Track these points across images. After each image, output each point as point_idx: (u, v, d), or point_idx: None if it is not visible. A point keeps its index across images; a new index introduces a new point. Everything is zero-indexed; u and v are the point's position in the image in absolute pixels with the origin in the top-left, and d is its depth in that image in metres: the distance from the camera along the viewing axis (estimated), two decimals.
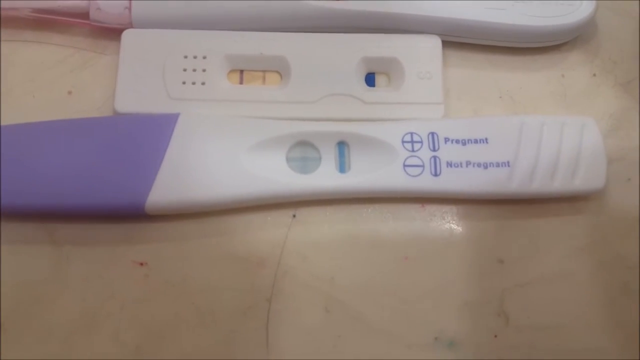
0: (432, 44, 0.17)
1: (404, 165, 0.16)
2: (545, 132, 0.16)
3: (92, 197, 0.15)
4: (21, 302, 0.16)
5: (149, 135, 0.15)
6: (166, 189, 0.15)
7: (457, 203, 0.16)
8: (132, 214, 0.16)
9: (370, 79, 0.17)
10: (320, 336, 0.15)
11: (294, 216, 0.16)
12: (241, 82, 0.17)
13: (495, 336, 0.16)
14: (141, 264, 0.16)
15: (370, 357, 0.15)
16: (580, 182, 0.16)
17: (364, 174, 0.16)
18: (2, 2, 0.17)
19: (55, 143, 0.16)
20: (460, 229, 0.16)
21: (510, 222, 0.17)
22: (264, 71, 0.17)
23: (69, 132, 0.16)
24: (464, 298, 0.16)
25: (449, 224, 0.16)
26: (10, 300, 0.16)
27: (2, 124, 0.16)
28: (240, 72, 0.17)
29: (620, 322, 0.16)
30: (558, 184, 0.16)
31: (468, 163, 0.16)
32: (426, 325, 0.16)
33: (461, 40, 0.18)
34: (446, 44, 0.18)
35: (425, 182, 0.16)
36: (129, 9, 0.17)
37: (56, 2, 0.17)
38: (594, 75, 0.18)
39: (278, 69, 0.17)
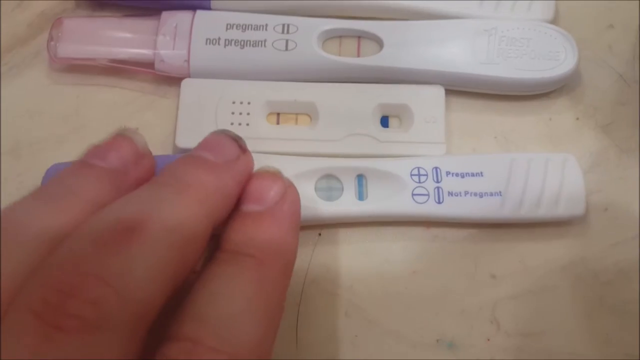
0: (436, 93, 0.20)
1: (412, 194, 0.18)
2: (532, 166, 0.19)
3: None
4: None
5: None
6: None
7: (457, 226, 0.19)
8: None
9: (384, 121, 0.20)
10: (340, 336, 0.18)
11: (320, 235, 0.19)
12: (278, 123, 0.20)
13: (488, 340, 0.18)
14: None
15: (381, 355, 0.18)
16: (562, 210, 0.19)
17: (379, 202, 0.18)
18: (81, 52, 0.21)
19: None
20: (459, 248, 0.19)
21: (502, 243, 0.19)
22: (296, 114, 0.20)
23: None
24: (462, 307, 0.18)
25: (450, 244, 0.19)
26: None
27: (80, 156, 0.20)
28: (277, 114, 0.20)
29: (595, 330, 0.18)
30: (543, 211, 0.18)
31: (466, 193, 0.18)
32: (430, 328, 0.18)
33: (462, 90, 0.21)
34: (449, 92, 0.20)
35: (430, 209, 0.18)
36: (188, 61, 0.20)
37: (127, 53, 0.20)
38: (577, 118, 0.21)
39: (308, 113, 0.20)
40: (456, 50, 0.20)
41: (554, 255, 0.19)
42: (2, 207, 0.13)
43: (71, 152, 0.19)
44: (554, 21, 0.21)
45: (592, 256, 0.19)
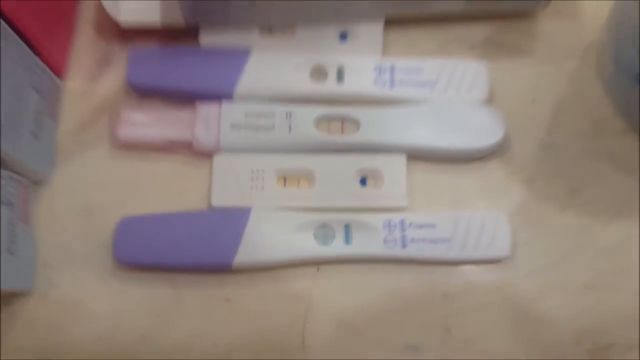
0: (400, 160, 0.26)
1: (384, 241, 0.25)
2: (472, 222, 0.25)
3: (199, 259, 0.25)
4: (149, 328, 0.25)
5: (234, 221, 0.25)
6: (245, 255, 0.25)
7: (418, 263, 0.25)
8: (223, 269, 0.25)
9: (363, 181, 0.27)
10: (336, 343, 0.25)
11: (318, 269, 0.26)
12: (285, 185, 0.27)
13: (443, 343, 0.25)
14: (227, 299, 0.26)
15: (366, 356, 0.25)
16: (494, 252, 0.25)
17: (360, 245, 0.25)
18: (137, 134, 0.27)
19: (176, 226, 0.25)
20: (420, 277, 0.25)
21: (451, 274, 0.25)
22: (298, 178, 0.27)
23: (184, 219, 0.26)
24: (423, 319, 0.25)
25: (413, 274, 0.25)
26: (144, 324, 0.25)
27: (139, 213, 0.26)
28: (284, 178, 0.27)
29: (521, 336, 0.25)
30: (480, 253, 0.25)
31: (423, 240, 0.25)
32: (399, 334, 0.25)
33: (419, 156, 0.27)
34: (410, 158, 0.26)
35: (397, 251, 0.25)
36: (218, 141, 0.26)
37: (172, 135, 0.27)
38: (507, 176, 0.27)
39: (307, 177, 0.26)
40: (414, 128, 0.27)
41: (487, 283, 0.25)
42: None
43: (132, 212, 0.26)
44: (489, 100, 0.28)
45: (515, 284, 0.25)
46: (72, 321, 0.25)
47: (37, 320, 0.25)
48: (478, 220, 0.25)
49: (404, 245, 0.25)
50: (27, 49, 0.25)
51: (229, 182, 0.26)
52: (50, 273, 0.26)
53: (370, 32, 0.29)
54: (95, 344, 0.25)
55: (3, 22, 0.23)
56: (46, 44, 0.27)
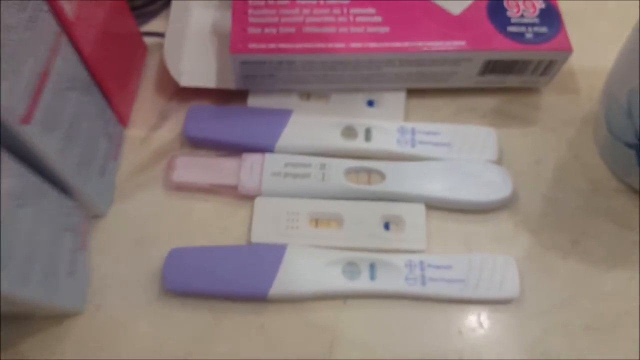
0: (420, 209, 0.30)
1: (406, 279, 0.28)
2: (484, 264, 0.28)
3: (237, 288, 0.28)
4: (189, 349, 0.27)
5: (271, 255, 0.28)
6: (279, 286, 0.27)
7: (435, 301, 0.28)
8: (259, 299, 0.28)
9: (386, 226, 0.30)
10: None
11: (344, 302, 0.29)
12: (316, 226, 0.30)
13: None
14: (261, 326, 0.28)
15: None
16: (504, 293, 0.28)
17: (384, 283, 0.28)
18: (189, 178, 0.31)
19: (219, 258, 0.28)
20: (437, 313, 0.28)
21: (465, 312, 0.28)
22: (329, 221, 0.30)
23: (226, 252, 0.29)
24: (439, 352, 0.27)
25: (430, 310, 0.28)
26: (184, 347, 0.27)
27: (190, 246, 0.29)
28: (316, 220, 0.30)
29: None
30: (491, 293, 0.28)
31: (441, 279, 0.28)
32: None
33: (438, 206, 0.30)
34: (429, 207, 0.30)
35: (417, 289, 0.28)
36: (260, 187, 0.30)
37: (219, 180, 0.31)
38: (516, 225, 0.30)
39: (337, 220, 0.30)
40: (433, 181, 0.30)
41: (500, 318, 0.28)
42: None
43: (179, 246, 0.29)
44: (499, 161, 0.32)
45: (524, 319, 0.28)
46: (117, 341, 0.28)
47: (85, 340, 0.28)
48: (489, 261, 0.28)
49: (423, 284, 0.28)
50: (102, 99, 0.30)
51: (268, 222, 0.30)
52: (102, 297, 0.29)
53: (394, 100, 0.33)
54: None
55: (89, 74, 0.28)
56: (116, 96, 0.31)
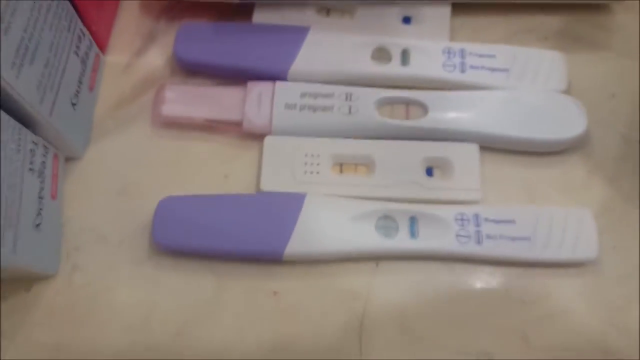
0: (472, 149, 0.24)
1: (456, 236, 0.22)
2: (555, 217, 0.23)
3: (245, 247, 0.22)
4: (185, 321, 0.22)
5: (287, 207, 0.23)
6: (297, 244, 0.22)
7: (492, 263, 0.23)
8: (272, 260, 0.23)
9: (429, 171, 0.24)
10: (396, 347, 0.22)
11: (377, 265, 0.23)
12: (341, 172, 0.24)
13: (521, 353, 0.22)
14: (275, 293, 0.23)
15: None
16: (579, 254, 0.22)
17: (428, 241, 0.22)
18: (182, 112, 0.25)
19: (222, 209, 0.23)
20: (494, 279, 0.23)
21: (529, 277, 0.23)
22: (356, 165, 0.24)
23: (231, 202, 0.23)
24: (497, 325, 0.22)
25: (486, 275, 0.23)
26: (179, 317, 0.22)
27: (185, 194, 0.23)
28: (340, 165, 0.24)
29: (607, 347, 0.22)
30: (564, 254, 0.22)
31: (501, 236, 0.22)
32: (470, 344, 0.22)
33: (493, 146, 0.25)
34: (483, 148, 0.24)
35: (471, 249, 0.22)
36: (270, 123, 0.24)
37: (220, 115, 0.25)
38: (588, 172, 0.25)
39: (366, 164, 0.24)
40: (488, 115, 0.24)
41: (573, 284, 0.23)
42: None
43: (174, 194, 0.23)
44: (567, 91, 0.26)
45: (602, 285, 0.23)
46: (98, 310, 0.22)
47: (59, 309, 0.22)
48: (561, 217, 0.23)
49: (478, 242, 0.22)
50: (72, 9, 0.24)
51: (280, 167, 0.24)
52: (78, 256, 0.23)
53: (436, 17, 0.27)
54: (121, 337, 0.22)
55: None
56: (91, 11, 0.25)
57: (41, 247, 0.22)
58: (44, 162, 0.22)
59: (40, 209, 0.22)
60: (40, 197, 0.22)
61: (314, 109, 0.24)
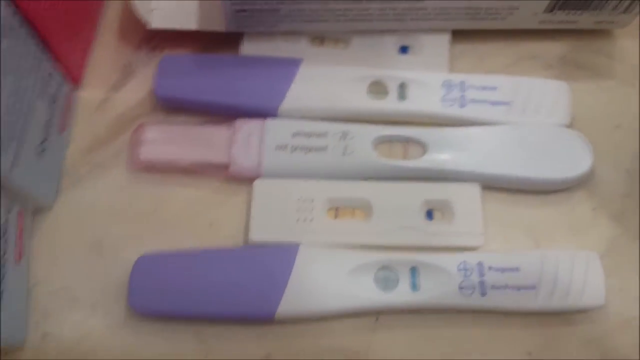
0: (473, 190, 0.23)
1: (460, 287, 0.21)
2: (560, 263, 0.21)
3: (233, 309, 0.21)
4: None
5: (278, 262, 0.21)
6: (290, 304, 0.20)
7: (496, 314, 0.21)
8: (263, 321, 0.21)
9: (429, 214, 0.23)
10: None
11: (377, 319, 0.22)
12: (337, 217, 0.23)
13: None
14: (267, 355, 0.21)
15: None
16: (586, 301, 0.21)
17: (431, 293, 0.21)
18: (162, 155, 0.23)
19: (206, 266, 0.21)
20: (499, 331, 0.21)
21: (534, 327, 0.21)
22: (353, 209, 0.23)
23: (216, 258, 0.21)
24: None
25: (490, 328, 0.21)
26: None
27: (162, 248, 0.22)
28: (336, 209, 0.23)
29: None
30: (571, 301, 0.21)
31: (506, 286, 0.21)
32: None
33: (495, 186, 0.23)
34: (484, 187, 0.23)
35: (476, 300, 0.21)
36: (260, 165, 0.22)
37: (204, 157, 0.23)
38: (594, 209, 0.24)
39: (363, 208, 0.23)
40: (489, 154, 0.23)
41: (579, 331, 0.22)
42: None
43: (152, 249, 0.22)
44: (570, 124, 0.24)
45: (607, 334, 0.22)
46: None
47: None
48: (567, 261, 0.21)
49: (483, 293, 0.21)
50: (37, 45, 0.21)
51: (272, 213, 0.22)
52: (48, 324, 0.21)
53: (435, 45, 0.25)
54: None
55: (16, 14, 0.19)
56: (62, 43, 0.23)
57: (4, 316, 0.20)
58: (6, 221, 0.20)
59: (2, 274, 0.20)
60: (0, 260, 0.20)
61: (307, 149, 0.23)
